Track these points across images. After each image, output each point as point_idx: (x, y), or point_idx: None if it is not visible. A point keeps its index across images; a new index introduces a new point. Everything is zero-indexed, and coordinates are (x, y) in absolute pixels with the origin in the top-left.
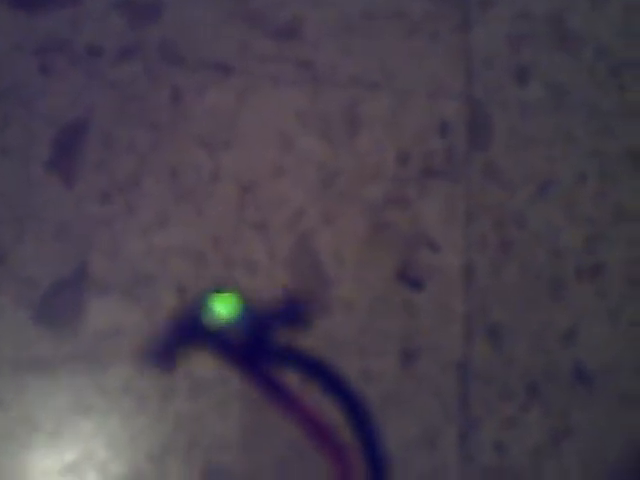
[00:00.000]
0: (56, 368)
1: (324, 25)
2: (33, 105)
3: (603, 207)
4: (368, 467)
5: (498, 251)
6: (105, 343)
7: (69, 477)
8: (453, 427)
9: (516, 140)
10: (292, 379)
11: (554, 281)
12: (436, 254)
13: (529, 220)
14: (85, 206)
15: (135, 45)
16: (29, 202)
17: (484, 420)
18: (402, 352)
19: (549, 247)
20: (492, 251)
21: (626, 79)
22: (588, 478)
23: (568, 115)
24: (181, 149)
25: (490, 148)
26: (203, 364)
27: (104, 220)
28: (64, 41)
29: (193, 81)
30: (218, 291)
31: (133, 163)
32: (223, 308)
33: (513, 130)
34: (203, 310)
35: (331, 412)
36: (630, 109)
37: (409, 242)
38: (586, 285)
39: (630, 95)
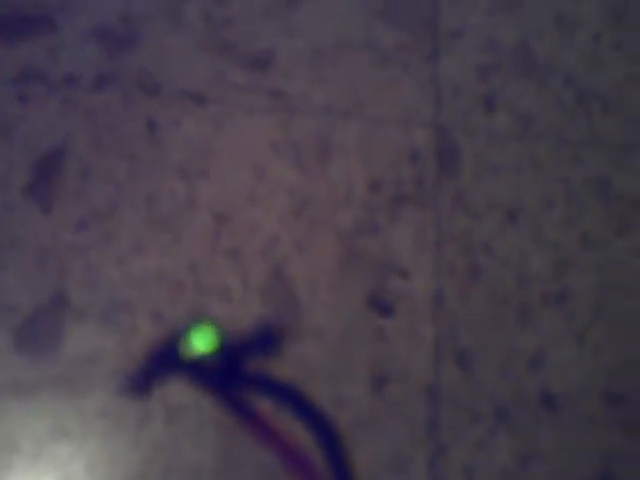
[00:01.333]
0: (35, 392)
1: (296, 55)
2: (11, 133)
3: (570, 234)
4: None
5: (466, 277)
6: (83, 368)
7: None
8: (423, 451)
9: (484, 168)
10: (265, 406)
11: (521, 306)
12: (406, 280)
13: (497, 246)
14: (63, 233)
15: (111, 74)
16: (7, 229)
17: (453, 444)
18: (373, 378)
19: (517, 273)
20: (461, 277)
21: (593, 107)
22: None
23: (535, 143)
24: (157, 178)
25: (459, 176)
26: (179, 391)
27: (81, 247)
28: (41, 70)
29: (169, 110)
30: (195, 323)
31: (110, 191)
32: (200, 340)
33: (481, 158)
34: (180, 341)
35: (303, 437)
36: (597, 137)
37: (379, 269)
38: (553, 310)
39: (597, 123)
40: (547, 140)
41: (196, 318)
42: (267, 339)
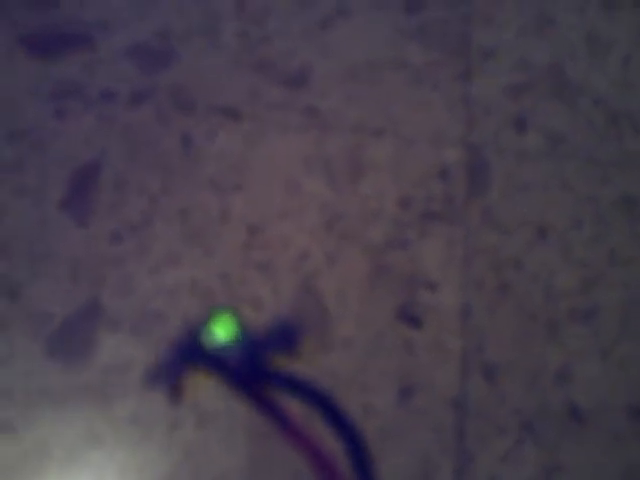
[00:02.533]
0: (67, 399)
1: (330, 74)
2: (48, 148)
3: (598, 251)
4: None
5: (495, 292)
6: (115, 376)
7: None
8: (449, 462)
9: (514, 186)
10: (290, 404)
11: (549, 322)
12: (434, 294)
13: (525, 263)
14: (98, 245)
15: (147, 90)
16: (44, 240)
17: (479, 455)
18: (400, 389)
19: (545, 289)
20: (489, 292)
21: (624, 128)
22: None
23: (565, 162)
24: (191, 191)
25: (488, 193)
26: (210, 397)
27: (116, 258)
28: (78, 86)
29: (203, 126)
30: (217, 314)
31: (144, 205)
32: (222, 330)
33: (511, 176)
34: (203, 332)
35: (328, 439)
36: (627, 157)
37: (408, 282)
38: (580, 326)
39: (627, 144)
40: (577, 160)
41: (217, 307)
42: (288, 335)
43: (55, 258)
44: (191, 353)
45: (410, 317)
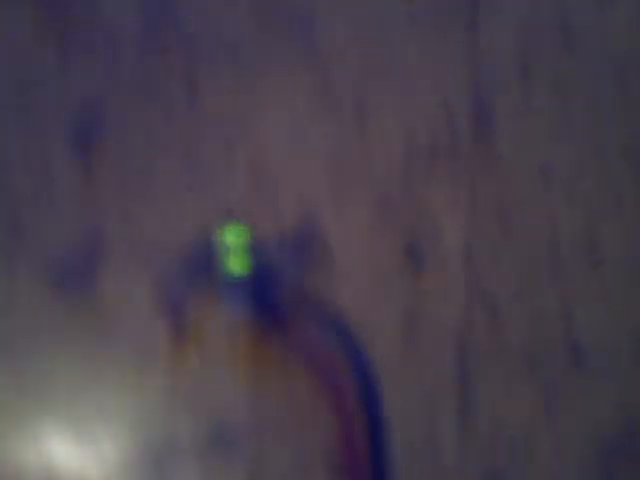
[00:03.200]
0: (70, 333)
1: (337, 19)
2: (50, 86)
3: (602, 196)
4: (369, 425)
5: (497, 235)
6: (118, 307)
7: (79, 428)
8: (452, 399)
9: (519, 132)
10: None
11: (552, 264)
12: (439, 237)
13: (529, 206)
14: (101, 176)
15: (151, 28)
16: (47, 179)
17: (483, 393)
18: (404, 325)
19: (548, 232)
20: (492, 235)
21: (630, 76)
22: (581, 450)
23: (568, 110)
24: (196, 133)
25: (494, 139)
26: (213, 330)
27: (118, 193)
28: (83, 27)
29: (208, 67)
30: (230, 224)
31: (149, 142)
32: (234, 239)
33: (517, 122)
34: (216, 242)
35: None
36: (630, 104)
37: (414, 225)
38: (583, 268)
39: (632, 91)
40: (581, 106)
41: (230, 220)
42: (302, 249)
43: (59, 197)
44: (206, 265)
45: (415, 257)
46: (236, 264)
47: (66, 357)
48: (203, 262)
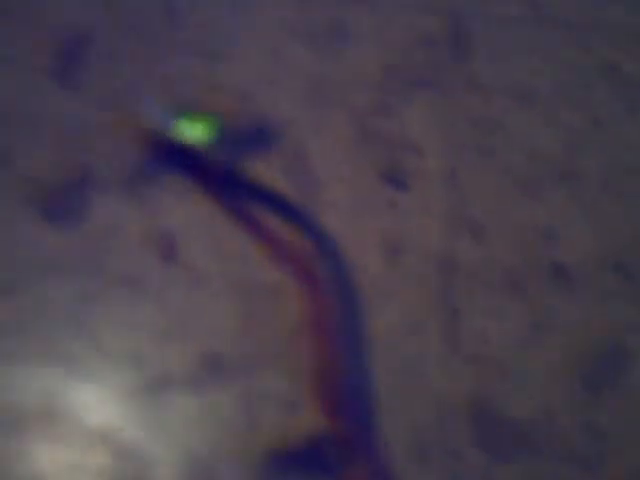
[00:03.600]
0: (63, 262)
1: None
2: (35, 13)
3: (580, 115)
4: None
5: (478, 155)
6: (109, 238)
7: (75, 364)
8: (437, 318)
9: (497, 52)
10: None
11: (533, 183)
12: (419, 158)
13: (508, 127)
14: (87, 112)
15: None
16: (33, 108)
17: (467, 312)
18: (387, 249)
19: (528, 152)
20: (473, 155)
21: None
22: (567, 368)
23: (547, 29)
24: (178, 60)
25: (472, 60)
26: (201, 257)
27: (105, 125)
28: None
29: None
30: (196, 112)
31: (131, 73)
32: (200, 127)
33: (494, 43)
34: (180, 128)
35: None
36: (605, 23)
37: (394, 147)
38: (564, 186)
39: (605, 10)
40: (557, 26)
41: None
42: (261, 133)
43: (45, 125)
44: (170, 151)
45: (396, 179)
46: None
47: (60, 284)
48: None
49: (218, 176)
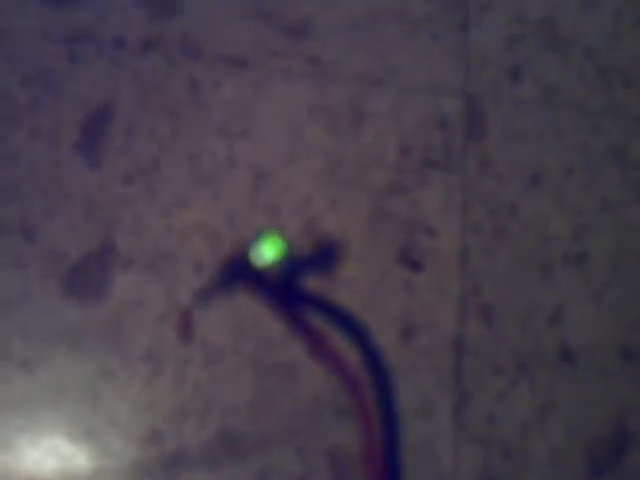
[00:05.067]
0: (82, 337)
1: (332, 24)
2: (61, 90)
3: (589, 198)
4: (383, 419)
5: (491, 237)
6: (128, 314)
7: (93, 440)
8: (448, 399)
9: (509, 134)
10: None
11: (543, 266)
12: (434, 239)
13: (520, 209)
14: (110, 187)
15: (156, 38)
16: (57, 182)
17: (476, 393)
18: (401, 328)
19: (539, 234)
20: (485, 237)
21: (612, 79)
22: (571, 449)
23: (558, 112)
24: (199, 136)
25: (485, 141)
26: (218, 333)
27: (127, 200)
28: (90, 32)
29: (210, 73)
30: (264, 234)
31: (154, 149)
32: (269, 249)
33: (506, 124)
34: (250, 250)
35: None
36: (615, 107)
37: (409, 227)
38: (572, 270)
39: (616, 94)
40: (569, 109)
41: (264, 229)
42: (326, 257)
43: (68, 199)
44: (239, 271)
45: (411, 260)
46: (270, 253)
47: (79, 360)
48: (214, 271)
49: (277, 287)
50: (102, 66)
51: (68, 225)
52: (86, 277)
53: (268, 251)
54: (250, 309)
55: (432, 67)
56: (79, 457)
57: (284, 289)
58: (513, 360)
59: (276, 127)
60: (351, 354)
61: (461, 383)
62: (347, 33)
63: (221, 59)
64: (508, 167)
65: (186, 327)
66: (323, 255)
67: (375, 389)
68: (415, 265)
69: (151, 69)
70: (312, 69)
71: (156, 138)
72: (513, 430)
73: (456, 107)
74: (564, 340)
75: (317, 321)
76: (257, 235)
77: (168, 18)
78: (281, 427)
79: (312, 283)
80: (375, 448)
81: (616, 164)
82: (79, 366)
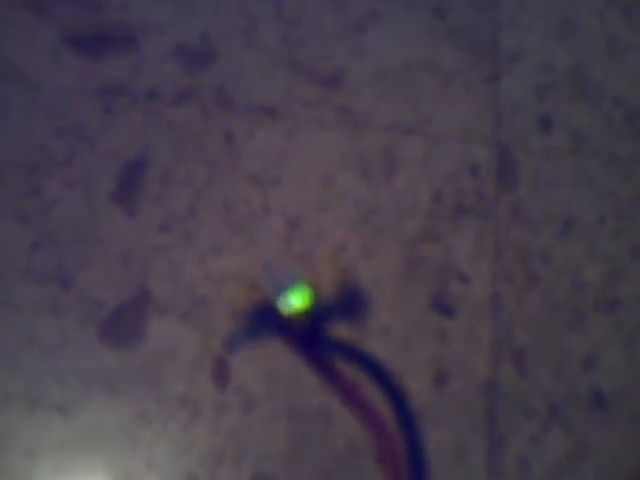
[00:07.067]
0: (118, 382)
1: (364, 75)
2: (96, 142)
3: (620, 245)
4: (411, 464)
5: (523, 283)
6: (164, 360)
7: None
8: (481, 443)
9: (540, 182)
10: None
11: (575, 312)
12: (466, 285)
13: (552, 255)
14: (146, 235)
15: (190, 89)
16: (94, 231)
17: (510, 438)
18: (434, 374)
19: (571, 281)
20: (518, 283)
21: None
22: None
23: (588, 160)
24: (234, 185)
25: (517, 189)
26: (254, 381)
27: (163, 248)
28: (125, 85)
29: (244, 123)
30: (292, 284)
31: (189, 197)
32: (297, 298)
33: (538, 173)
34: (277, 299)
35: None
36: None
37: (441, 274)
38: (604, 317)
39: None
40: (599, 157)
41: (292, 278)
42: (353, 304)
43: (105, 248)
44: (266, 321)
45: (443, 307)
46: (297, 302)
47: (115, 404)
48: (250, 317)
49: (305, 336)
50: (137, 118)
51: (104, 273)
52: (123, 324)
53: (295, 300)
54: (284, 355)
55: (463, 116)
56: None
57: (312, 337)
58: (546, 405)
59: (309, 175)
60: (382, 404)
61: (494, 428)
62: (378, 83)
63: (254, 109)
64: (540, 214)
65: (221, 373)
66: (352, 303)
67: (403, 437)
68: (447, 311)
69: (186, 120)
70: (344, 118)
71: (192, 186)
72: (545, 474)
73: (488, 155)
74: (596, 386)
75: (348, 370)
76: (285, 283)
77: (202, 69)
78: (315, 473)
79: (343, 331)
80: None
81: None
82: (116, 410)
